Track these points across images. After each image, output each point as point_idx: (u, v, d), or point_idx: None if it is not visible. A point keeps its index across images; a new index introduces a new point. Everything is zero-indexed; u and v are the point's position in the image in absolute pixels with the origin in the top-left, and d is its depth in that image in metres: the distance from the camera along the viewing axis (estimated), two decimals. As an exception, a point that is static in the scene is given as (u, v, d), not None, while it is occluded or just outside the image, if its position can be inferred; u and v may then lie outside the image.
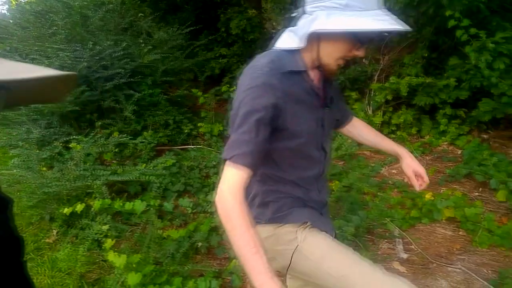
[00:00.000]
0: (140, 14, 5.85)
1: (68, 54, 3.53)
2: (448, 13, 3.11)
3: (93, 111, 3.84)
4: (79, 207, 2.17)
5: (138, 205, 2.18)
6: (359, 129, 1.37)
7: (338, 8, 0.88)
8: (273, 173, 1.10)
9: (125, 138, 3.06)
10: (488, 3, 3.34)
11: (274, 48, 1.04)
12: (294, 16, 1.01)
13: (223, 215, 0.86)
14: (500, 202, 2.75)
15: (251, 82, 0.94)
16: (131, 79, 3.82)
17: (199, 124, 4.07)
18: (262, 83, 0.93)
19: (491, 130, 3.87)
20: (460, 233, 2.51)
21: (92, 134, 3.08)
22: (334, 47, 0.97)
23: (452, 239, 2.47)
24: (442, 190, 2.97)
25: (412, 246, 2.40)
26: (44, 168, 3.08)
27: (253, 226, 0.85)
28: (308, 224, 1.11)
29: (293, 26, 1.01)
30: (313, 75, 1.06)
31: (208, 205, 2.83)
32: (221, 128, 4.06)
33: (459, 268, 2.18)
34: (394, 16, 0.89)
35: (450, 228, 2.57)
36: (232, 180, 0.88)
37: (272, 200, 1.12)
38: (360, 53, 0.99)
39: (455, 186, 3.07)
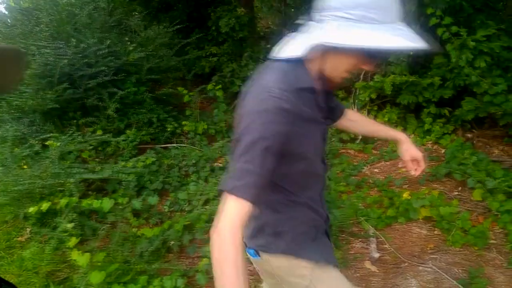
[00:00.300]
0: (134, 13, 5.84)
1: (48, 51, 3.51)
2: (429, 11, 3.09)
3: (76, 109, 3.83)
4: (45, 205, 2.16)
5: (106, 203, 2.17)
6: (355, 122, 1.33)
7: (352, 20, 0.81)
8: (284, 198, 1.03)
9: (103, 136, 3.05)
10: (472, 1, 3.32)
11: (277, 57, 0.95)
12: (299, 22, 0.95)
13: (216, 255, 0.79)
14: (478, 201, 2.73)
15: (259, 105, 0.85)
16: (115, 77, 3.80)
17: (183, 123, 4.05)
18: (272, 107, 0.84)
19: (475, 129, 3.85)
20: (435, 232, 2.50)
21: (70, 132, 3.06)
22: (341, 60, 0.90)
23: (427, 238, 2.46)
24: (422, 189, 2.95)
25: (386, 245, 2.39)
26: (25, 166, 3.08)
27: (244, 273, 0.78)
28: (323, 262, 1.08)
29: (297, 32, 0.94)
30: (318, 87, 0.97)
31: (185, 204, 2.82)
32: (205, 127, 4.04)
33: (430, 267, 2.17)
34: (412, 31, 0.82)
35: (426, 227, 2.55)
36: (232, 215, 0.81)
37: (286, 230, 1.05)
38: (368, 67, 0.92)
39: (435, 185, 3.06)
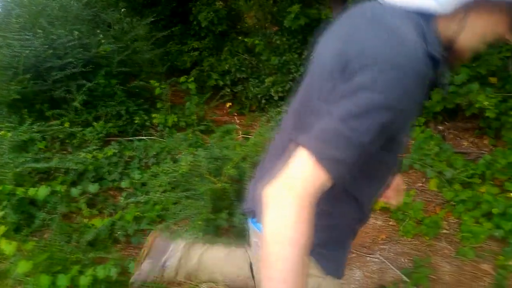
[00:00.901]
0: (123, 10, 5.81)
1: (12, 42, 3.49)
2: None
3: (44, 101, 3.79)
4: (-26, 194, 2.12)
5: (42, 191, 2.13)
6: None
7: None
8: (345, 189, 0.81)
9: (57, 127, 3.06)
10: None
11: (396, 2, 0.68)
12: None
13: (273, 225, 0.59)
14: (438, 192, 2.69)
15: (394, 56, 0.59)
16: (83, 69, 3.76)
17: (153, 115, 4.01)
18: (415, 72, 0.60)
19: (447, 121, 3.80)
20: (390, 223, 2.45)
21: (28, 122, 3.03)
22: (486, 23, 0.67)
23: (381, 229, 2.41)
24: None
25: (337, 236, 2.34)
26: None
27: (308, 254, 0.60)
28: (334, 276, 0.92)
29: None
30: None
31: (142, 194, 2.78)
32: (175, 119, 4.00)
33: (377, 258, 2.12)
34: None
35: (382, 218, 2.51)
36: (309, 185, 0.60)
37: (321, 229, 0.75)
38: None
39: (399, 177, 3.01)
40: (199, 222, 1.93)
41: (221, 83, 4.97)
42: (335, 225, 0.86)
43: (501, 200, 2.23)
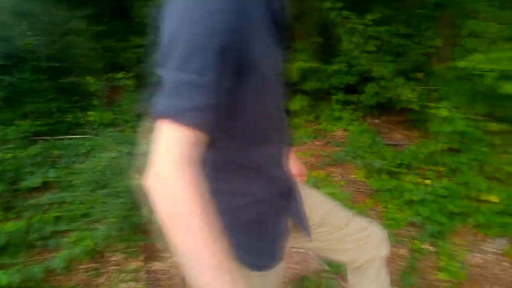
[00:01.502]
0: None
1: None
2: (325, -5, 3.10)
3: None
4: None
5: None
6: None
7: None
8: (227, 159, 0.73)
9: None
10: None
11: None
12: None
13: (164, 207, 0.52)
14: (368, 182, 2.77)
15: None
16: (2, 63, 3.49)
17: (88, 113, 3.81)
18: None
19: (383, 115, 3.95)
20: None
21: None
22: None
23: (311, 220, 2.44)
24: (320, 173, 2.95)
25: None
26: None
27: (214, 219, 0.53)
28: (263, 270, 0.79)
29: None
30: None
31: (67, 194, 2.62)
32: (112, 117, 3.83)
33: (302, 250, 2.13)
34: None
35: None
36: (174, 148, 0.53)
37: (229, 213, 0.70)
38: None
39: (333, 169, 3.07)
40: (112, 219, 1.83)
41: (164, 79, 4.83)
42: (244, 206, 0.77)
43: (421, 188, 2.34)
